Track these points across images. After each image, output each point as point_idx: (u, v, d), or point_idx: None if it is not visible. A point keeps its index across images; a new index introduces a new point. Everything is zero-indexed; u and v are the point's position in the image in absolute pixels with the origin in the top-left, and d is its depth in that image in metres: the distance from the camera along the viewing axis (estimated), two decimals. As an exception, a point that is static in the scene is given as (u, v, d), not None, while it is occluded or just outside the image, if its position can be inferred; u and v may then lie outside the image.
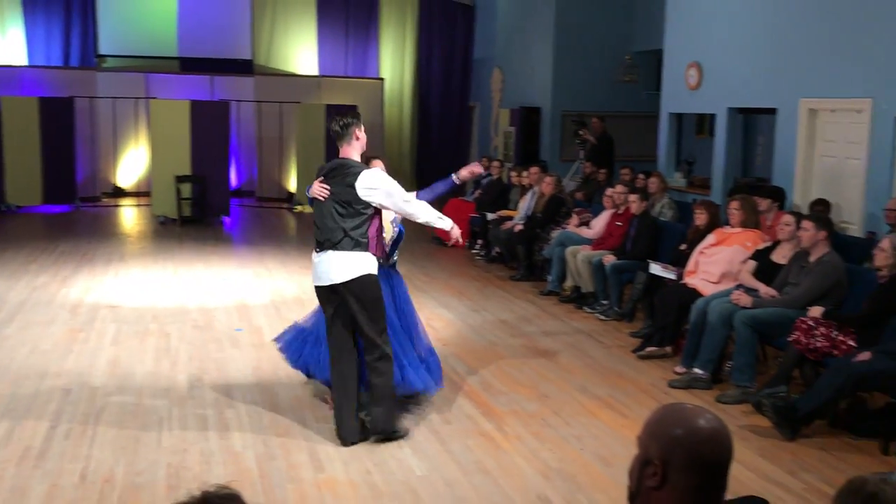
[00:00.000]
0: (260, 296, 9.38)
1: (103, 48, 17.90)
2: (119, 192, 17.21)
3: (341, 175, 5.18)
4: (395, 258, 5.88)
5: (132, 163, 17.42)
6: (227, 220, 15.02)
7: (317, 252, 5.22)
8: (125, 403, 5.92)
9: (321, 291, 5.25)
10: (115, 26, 17.86)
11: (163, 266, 10.89)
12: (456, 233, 5.57)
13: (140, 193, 17.02)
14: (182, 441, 5.28)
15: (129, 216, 15.34)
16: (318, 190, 5.20)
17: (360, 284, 5.09)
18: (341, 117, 5.26)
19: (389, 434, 5.30)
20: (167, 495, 4.50)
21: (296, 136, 16.57)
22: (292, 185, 17.35)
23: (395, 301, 5.64)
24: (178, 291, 9.49)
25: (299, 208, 16.72)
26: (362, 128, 5.31)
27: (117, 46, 17.91)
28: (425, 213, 5.37)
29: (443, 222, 5.43)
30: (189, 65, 17.99)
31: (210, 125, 14.61)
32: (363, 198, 5.14)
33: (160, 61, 17.84)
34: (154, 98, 15.88)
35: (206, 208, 14.63)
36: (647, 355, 7.29)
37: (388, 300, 5.44)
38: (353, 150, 5.26)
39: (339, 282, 5.11)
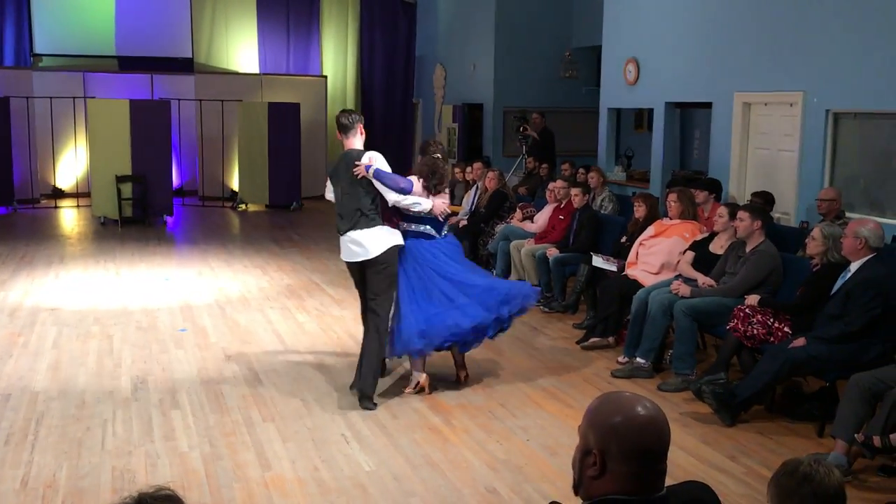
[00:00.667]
0: (204, 295, 9.27)
1: (39, 47, 17.46)
2: (58, 194, 16.81)
3: (346, 162, 5.89)
4: (446, 230, 6.22)
5: (71, 163, 17.03)
6: (169, 219, 14.80)
7: (340, 235, 5.92)
8: (67, 407, 5.80)
9: (349, 265, 6.01)
10: (51, 25, 17.43)
11: (104, 267, 10.70)
12: (440, 208, 6.02)
13: (80, 194, 16.66)
14: (126, 443, 5.18)
15: (69, 218, 15.02)
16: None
17: (377, 260, 5.80)
18: (349, 113, 6.00)
19: (363, 397, 5.81)
20: (112, 499, 4.41)
21: (238, 135, 16.37)
22: (235, 183, 17.14)
23: (440, 269, 5.99)
24: (121, 293, 9.34)
25: (243, 207, 16.54)
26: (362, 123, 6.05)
27: (53, 45, 17.49)
28: (404, 199, 5.89)
29: (421, 206, 5.92)
30: (128, 63, 17.66)
31: (150, 124, 14.38)
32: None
33: (98, 60, 17.47)
34: (92, 97, 15.56)
35: (148, 208, 14.40)
36: (590, 346, 7.36)
37: (430, 269, 5.94)
38: (357, 142, 6.00)
39: (362, 259, 5.81)
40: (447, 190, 6.19)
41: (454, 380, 6.41)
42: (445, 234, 6.20)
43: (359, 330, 7.78)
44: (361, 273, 5.94)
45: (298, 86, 18.10)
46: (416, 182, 6.01)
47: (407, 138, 20.20)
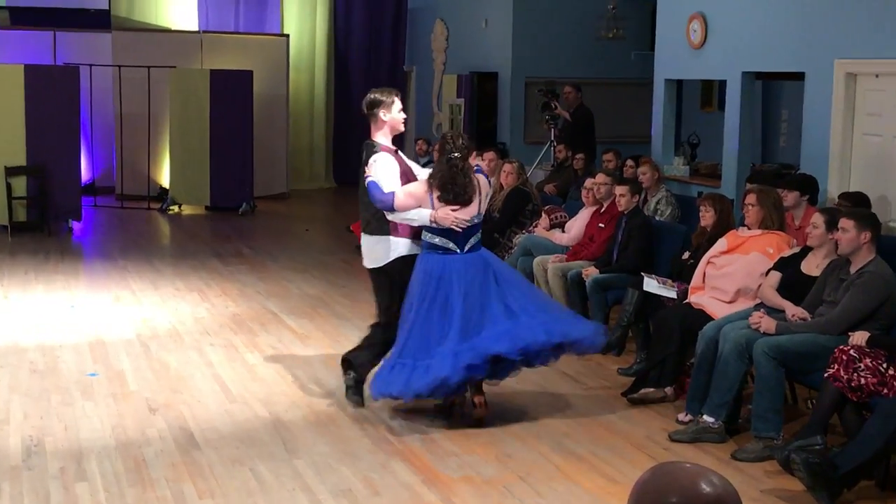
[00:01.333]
0: (122, 328, 9.28)
1: None
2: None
3: (364, 157, 6.88)
4: (472, 243, 6.74)
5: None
6: (76, 225, 14.82)
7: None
8: (-64, 478, 5.79)
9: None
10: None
11: (-12, 290, 10.74)
12: (446, 219, 6.58)
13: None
14: (15, 528, 5.18)
15: (-58, 223, 15.06)
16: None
17: (377, 271, 6.91)
18: (373, 93, 6.99)
19: (356, 383, 7.04)
20: None
21: (170, 113, 16.42)
22: (165, 178, 17.17)
23: (464, 292, 6.58)
24: (9, 324, 9.35)
25: (175, 209, 16.56)
26: (396, 108, 6.91)
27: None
28: (391, 216, 6.69)
29: (416, 219, 6.64)
30: (23, 16, 17.75)
31: (52, 98, 14.42)
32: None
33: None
34: (-26, 62, 15.63)
35: (49, 211, 14.43)
36: (640, 399, 7.36)
37: (454, 291, 6.55)
38: (378, 131, 6.93)
39: (368, 267, 6.98)
40: (478, 199, 6.71)
41: (461, 411, 6.95)
42: (471, 248, 6.75)
43: (329, 373, 7.78)
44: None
45: (251, 48, 18.17)
46: (419, 188, 6.70)
47: (396, 119, 20.30)
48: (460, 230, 6.59)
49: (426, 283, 6.59)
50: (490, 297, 6.63)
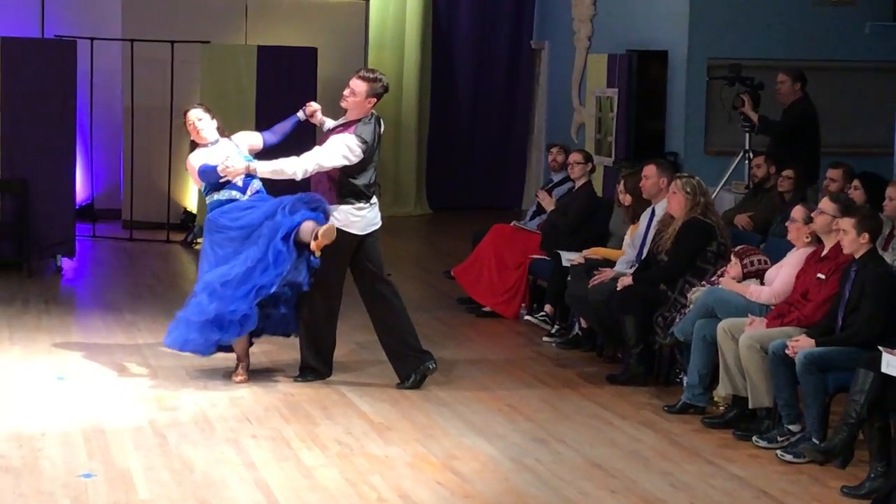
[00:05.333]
0: (128, 411, 9.34)
1: None
2: None
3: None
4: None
5: None
6: (67, 263, 15.05)
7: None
8: None
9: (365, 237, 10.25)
10: None
11: (-55, 352, 10.90)
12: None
13: None
14: None
15: None
16: None
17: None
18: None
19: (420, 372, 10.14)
20: None
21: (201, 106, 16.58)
22: (192, 198, 17.29)
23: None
24: (-26, 402, 9.47)
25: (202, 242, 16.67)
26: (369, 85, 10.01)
27: None
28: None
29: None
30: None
31: (38, 85, 14.67)
32: None
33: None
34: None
35: (30, 243, 14.61)
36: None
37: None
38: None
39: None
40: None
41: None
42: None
43: (417, 481, 7.76)
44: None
45: (315, 16, 18.35)
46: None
47: (519, 114, 20.31)
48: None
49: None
50: None
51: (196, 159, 10.27)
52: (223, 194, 10.09)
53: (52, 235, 14.79)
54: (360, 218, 10.03)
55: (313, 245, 9.62)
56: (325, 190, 10.04)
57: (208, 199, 10.22)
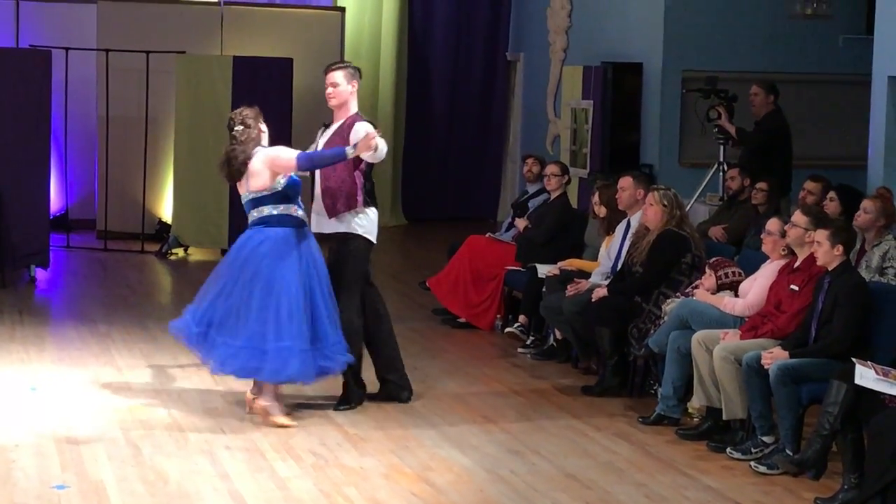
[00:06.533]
0: (102, 422, 9.34)
1: None
2: None
3: None
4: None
5: None
6: (42, 274, 15.02)
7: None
8: None
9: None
10: None
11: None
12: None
13: None
14: None
15: None
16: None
17: None
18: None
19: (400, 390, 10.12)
20: None
21: (176, 117, 16.56)
22: (166, 208, 17.28)
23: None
24: (-54, 412, 9.46)
25: (177, 253, 16.63)
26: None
27: None
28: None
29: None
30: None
31: (12, 94, 14.63)
32: None
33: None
34: None
35: (6, 252, 14.56)
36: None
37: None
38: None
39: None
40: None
41: None
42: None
43: (392, 493, 7.78)
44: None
45: (291, 26, 18.35)
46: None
47: (493, 125, 20.33)
48: None
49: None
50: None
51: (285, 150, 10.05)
52: (281, 208, 9.58)
53: (26, 246, 14.76)
54: (375, 224, 9.90)
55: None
56: (350, 193, 9.68)
57: (259, 214, 9.62)
